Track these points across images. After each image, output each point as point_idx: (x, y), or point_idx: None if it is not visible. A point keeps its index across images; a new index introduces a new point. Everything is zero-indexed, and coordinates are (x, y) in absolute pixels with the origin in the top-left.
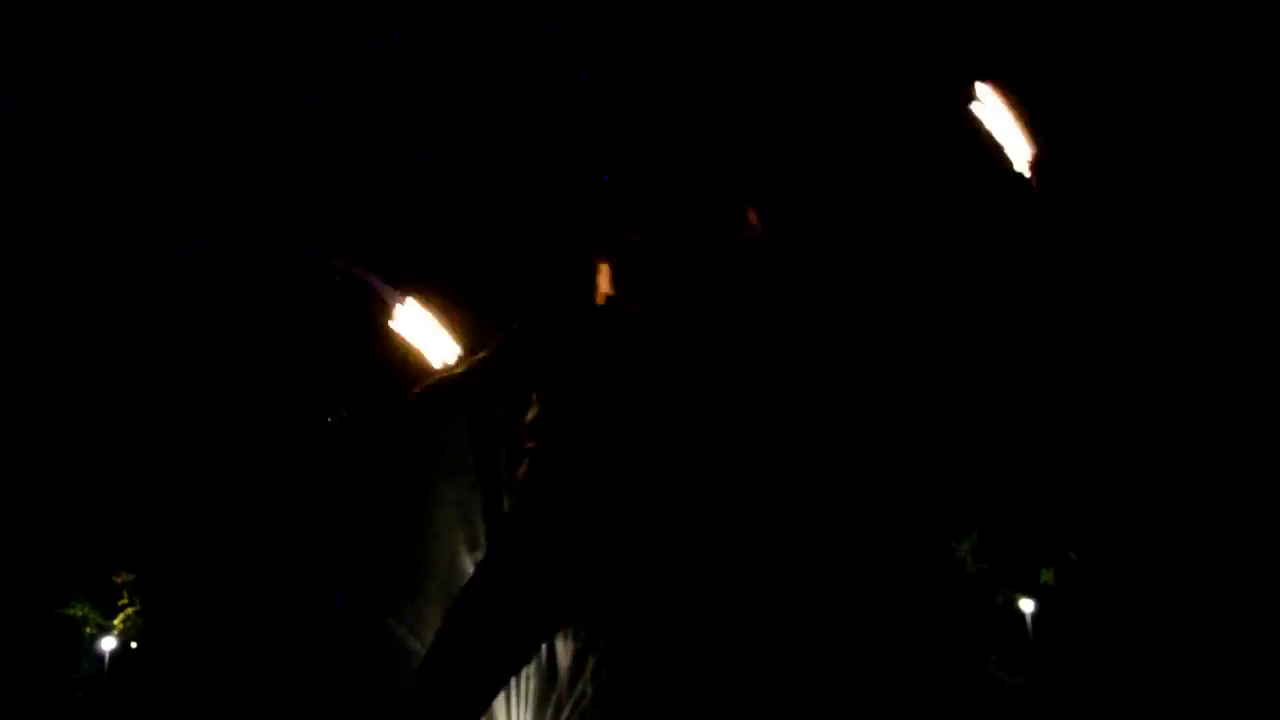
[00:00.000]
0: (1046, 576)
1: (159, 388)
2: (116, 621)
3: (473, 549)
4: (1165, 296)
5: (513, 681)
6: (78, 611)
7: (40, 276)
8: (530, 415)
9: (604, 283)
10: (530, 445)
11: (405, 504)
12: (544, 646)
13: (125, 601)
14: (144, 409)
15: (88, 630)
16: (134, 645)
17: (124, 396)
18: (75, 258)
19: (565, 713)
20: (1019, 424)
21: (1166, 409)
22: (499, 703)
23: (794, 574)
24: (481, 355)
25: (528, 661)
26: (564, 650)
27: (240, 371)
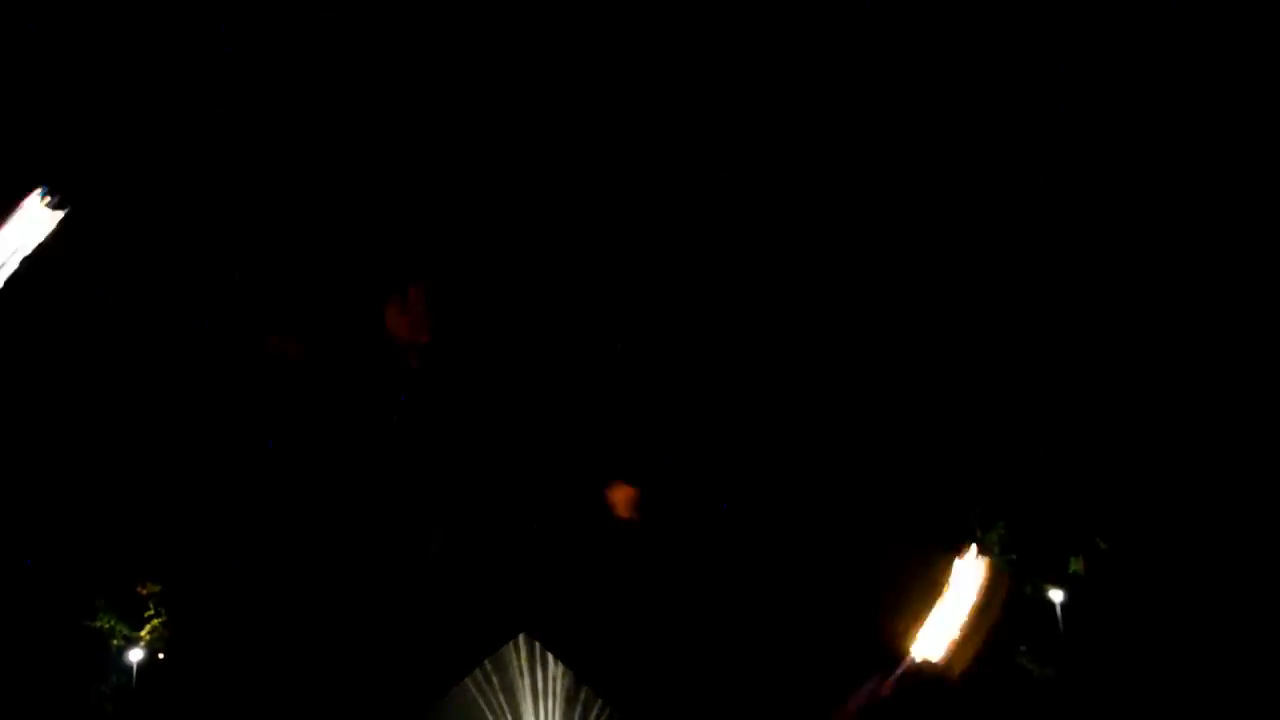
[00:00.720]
0: (1075, 566)
1: (184, 404)
2: (143, 633)
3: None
4: (1182, 293)
5: (541, 683)
6: (105, 624)
7: (64, 295)
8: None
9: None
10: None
11: (430, 517)
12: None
13: (151, 613)
14: (169, 425)
15: (115, 642)
16: (161, 656)
17: (149, 413)
18: (105, 274)
19: (593, 713)
20: (1046, 415)
21: (1193, 399)
22: (526, 703)
23: (820, 568)
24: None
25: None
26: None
27: (263, 390)
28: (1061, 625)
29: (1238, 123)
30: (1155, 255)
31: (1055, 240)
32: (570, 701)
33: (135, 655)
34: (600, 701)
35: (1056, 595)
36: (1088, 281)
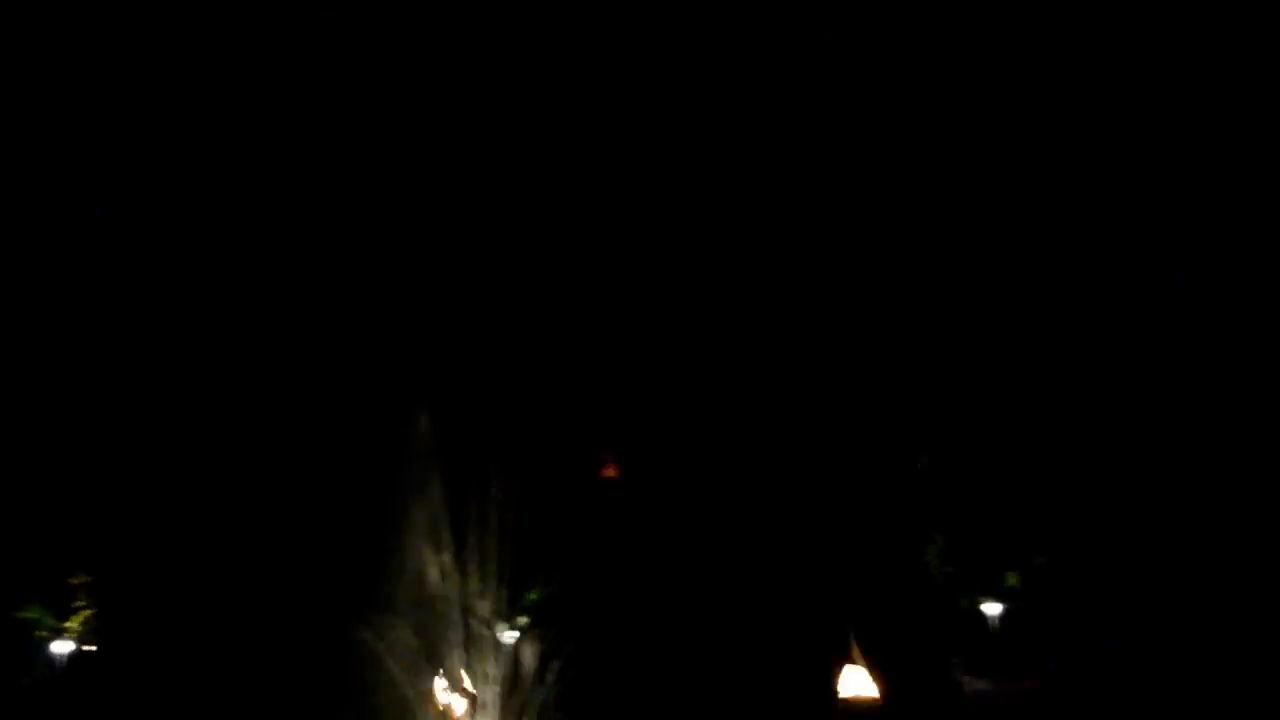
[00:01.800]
0: (1012, 580)
1: (117, 393)
2: (72, 624)
3: (438, 555)
4: (1132, 312)
5: (477, 685)
6: (32, 615)
7: (17, 287)
8: None
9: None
10: None
11: (374, 513)
12: (508, 650)
13: (81, 603)
14: (101, 414)
15: (40, 633)
16: (89, 648)
17: (80, 402)
18: (45, 261)
19: (529, 715)
20: (985, 431)
21: (1130, 417)
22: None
23: (757, 578)
24: None
25: None
26: (528, 654)
27: (205, 374)
28: (996, 638)
29: (1230, 130)
30: (1100, 285)
31: (1004, 270)
32: (506, 705)
33: (62, 647)
34: (537, 705)
35: (992, 608)
36: (1032, 307)
